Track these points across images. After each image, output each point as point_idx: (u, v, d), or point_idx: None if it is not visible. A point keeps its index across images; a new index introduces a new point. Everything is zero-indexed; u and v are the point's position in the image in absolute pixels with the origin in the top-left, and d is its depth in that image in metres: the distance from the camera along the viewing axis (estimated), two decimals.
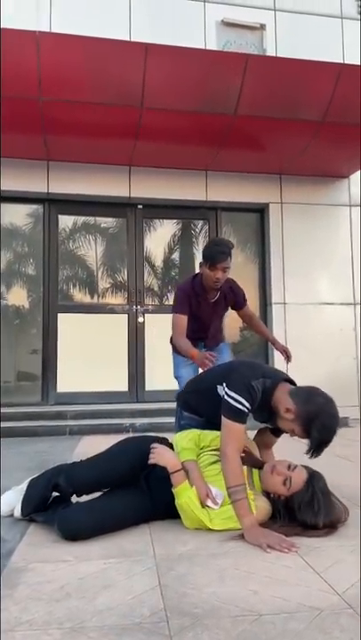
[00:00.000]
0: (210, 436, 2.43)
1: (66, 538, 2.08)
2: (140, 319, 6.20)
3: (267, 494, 2.23)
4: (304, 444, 2.23)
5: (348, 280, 6.47)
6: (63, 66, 4.71)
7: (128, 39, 5.78)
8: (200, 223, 6.65)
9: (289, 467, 2.20)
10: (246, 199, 6.38)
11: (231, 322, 6.42)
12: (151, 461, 2.25)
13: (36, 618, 1.47)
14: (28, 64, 4.60)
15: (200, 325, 3.45)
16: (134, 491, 2.27)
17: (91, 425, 5.12)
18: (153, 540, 2.10)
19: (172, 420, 3.22)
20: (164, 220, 6.59)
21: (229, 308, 3.66)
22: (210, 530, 2.17)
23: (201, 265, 3.39)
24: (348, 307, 6.43)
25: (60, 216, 6.23)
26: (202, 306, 3.42)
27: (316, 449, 2.17)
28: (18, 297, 6.15)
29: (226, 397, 2.25)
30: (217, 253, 3.28)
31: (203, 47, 6.02)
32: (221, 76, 4.98)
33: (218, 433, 2.34)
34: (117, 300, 6.36)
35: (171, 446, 2.40)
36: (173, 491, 2.21)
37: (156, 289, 6.58)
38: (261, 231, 6.59)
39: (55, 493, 2.34)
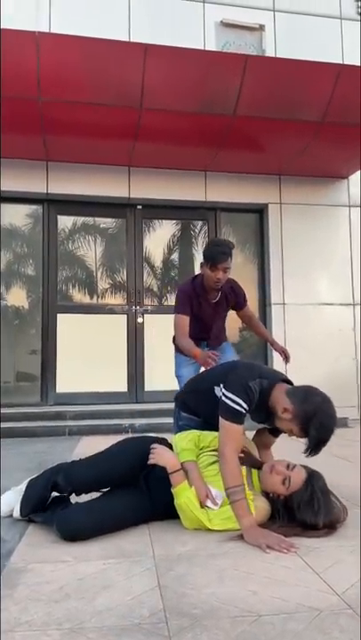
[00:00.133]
0: (209, 436, 2.43)
1: (65, 538, 2.08)
2: (140, 319, 6.20)
3: (266, 494, 2.23)
4: (303, 443, 2.23)
5: (348, 280, 6.47)
6: (62, 66, 4.71)
7: (127, 40, 5.77)
8: (199, 224, 6.65)
9: (288, 466, 2.20)
10: (245, 200, 6.39)
11: (231, 322, 6.41)
12: (151, 461, 2.25)
13: (35, 619, 1.47)
14: (28, 64, 4.60)
15: (202, 326, 3.45)
16: (133, 491, 2.27)
17: (90, 425, 5.12)
18: (152, 541, 2.10)
19: (171, 420, 3.21)
20: (164, 221, 6.59)
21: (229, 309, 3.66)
22: (209, 530, 2.17)
23: (202, 265, 3.39)
24: (347, 307, 6.43)
25: (59, 216, 6.23)
26: (203, 306, 3.42)
27: (315, 448, 2.18)
28: (17, 297, 6.15)
29: (223, 398, 2.26)
30: (218, 254, 3.28)
31: (202, 48, 6.02)
32: (220, 77, 4.98)
33: (217, 434, 2.33)
34: (117, 300, 6.36)
35: (170, 447, 2.40)
36: (173, 491, 2.21)
37: (155, 289, 6.58)
38: (261, 232, 6.60)
39: (54, 494, 2.34)
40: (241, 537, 2.07)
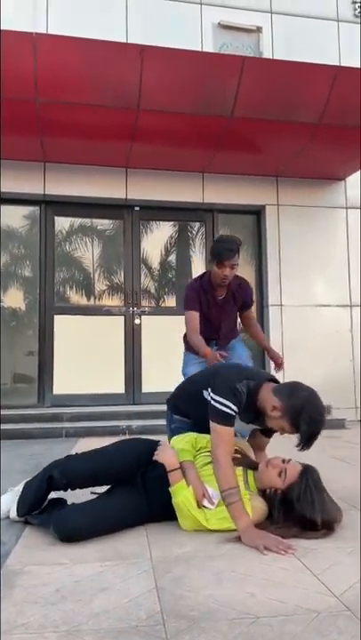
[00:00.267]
0: (206, 438, 2.45)
1: (62, 539, 2.07)
2: (137, 321, 6.19)
3: (263, 494, 2.24)
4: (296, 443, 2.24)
5: (345, 282, 6.48)
6: (60, 67, 4.71)
7: (125, 41, 5.77)
8: (197, 225, 6.65)
9: (283, 461, 2.25)
10: (243, 201, 6.39)
11: None
12: (154, 457, 2.28)
13: (31, 621, 1.46)
14: (25, 66, 4.59)
15: (211, 326, 3.43)
16: (130, 491, 2.27)
17: (87, 427, 5.11)
18: (149, 543, 2.09)
19: None
20: (161, 222, 6.59)
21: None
22: (206, 532, 2.16)
23: (209, 262, 3.42)
24: (344, 308, 6.44)
25: (56, 218, 6.22)
26: (211, 304, 3.42)
27: (307, 442, 2.21)
28: (14, 299, 6.13)
29: (212, 402, 2.27)
30: (224, 250, 3.29)
31: (199, 49, 6.03)
32: (218, 79, 4.98)
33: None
34: (114, 302, 6.35)
35: None
36: (170, 489, 2.21)
37: (152, 291, 6.58)
38: (258, 233, 6.60)
39: (51, 496, 2.33)
40: (238, 538, 2.06)
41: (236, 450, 2.43)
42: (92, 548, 2.04)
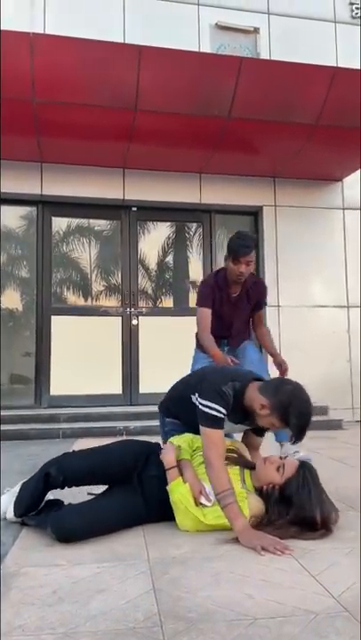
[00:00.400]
0: (199, 441, 2.45)
1: (59, 539, 2.07)
2: (134, 322, 6.18)
3: (260, 492, 2.25)
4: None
5: (342, 283, 6.49)
6: (57, 68, 4.71)
7: (122, 42, 5.77)
8: (194, 226, 6.65)
9: (280, 457, 2.29)
10: (240, 202, 6.40)
11: None
12: (161, 457, 2.32)
13: (28, 623, 1.45)
14: (22, 65, 4.59)
15: (222, 323, 3.40)
16: (127, 492, 2.27)
17: (84, 428, 5.10)
18: (147, 544, 2.08)
19: None
20: (158, 223, 6.58)
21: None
22: (204, 533, 2.16)
23: (225, 259, 3.36)
24: (341, 309, 6.45)
25: (53, 218, 6.21)
26: (224, 301, 3.38)
27: (298, 435, 2.24)
28: (11, 299, 6.12)
29: (201, 407, 2.29)
30: (240, 247, 3.27)
31: (197, 50, 6.03)
32: (215, 79, 4.99)
33: None
34: (111, 302, 6.34)
35: None
36: (168, 487, 2.23)
37: (149, 292, 6.57)
38: (255, 234, 6.58)
39: (48, 497, 2.32)
40: (236, 539, 2.05)
41: (232, 450, 2.45)
42: (89, 549, 2.03)
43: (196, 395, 2.35)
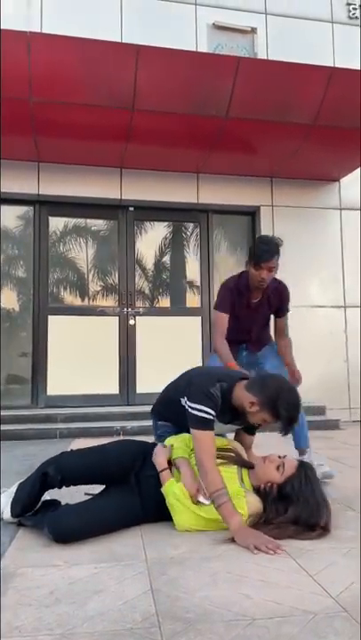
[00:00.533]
0: None
1: (56, 540, 2.06)
2: (131, 321, 6.17)
3: (257, 491, 2.25)
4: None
5: (339, 283, 6.49)
6: (54, 67, 4.69)
7: (119, 41, 5.76)
8: (191, 226, 6.64)
9: (279, 457, 2.29)
10: (238, 202, 6.39)
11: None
12: (153, 459, 2.33)
13: (25, 624, 1.44)
14: (19, 65, 4.57)
15: (241, 328, 3.29)
16: (124, 492, 2.27)
17: (81, 428, 5.09)
18: (144, 544, 2.08)
19: None
20: (155, 223, 6.57)
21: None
22: (201, 533, 2.16)
23: (246, 263, 3.25)
24: (338, 309, 6.45)
25: (50, 218, 6.19)
26: (244, 306, 3.26)
27: (288, 425, 2.28)
28: (8, 299, 6.09)
29: (190, 410, 2.31)
30: (262, 252, 3.13)
31: (194, 50, 6.02)
32: (213, 79, 4.98)
33: None
34: (108, 302, 6.33)
35: None
36: (162, 490, 2.23)
37: (147, 292, 6.56)
38: (253, 234, 6.59)
39: (44, 497, 2.32)
40: (233, 539, 2.05)
41: (229, 449, 2.45)
42: (86, 549, 2.02)
43: (185, 398, 2.36)
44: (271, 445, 3.23)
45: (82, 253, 6.39)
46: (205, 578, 1.74)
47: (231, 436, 2.78)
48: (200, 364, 5.37)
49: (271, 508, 2.18)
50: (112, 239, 6.45)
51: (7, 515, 2.30)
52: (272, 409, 2.25)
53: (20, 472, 3.10)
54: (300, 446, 3.24)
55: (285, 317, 3.43)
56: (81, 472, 2.28)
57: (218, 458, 2.34)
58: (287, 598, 1.58)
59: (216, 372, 2.63)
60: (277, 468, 2.23)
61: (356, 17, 6.76)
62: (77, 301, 6.33)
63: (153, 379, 5.56)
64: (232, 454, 2.41)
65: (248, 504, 2.15)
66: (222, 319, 3.19)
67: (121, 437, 4.62)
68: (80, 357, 5.89)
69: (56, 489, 2.30)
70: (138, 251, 6.45)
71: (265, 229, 6.40)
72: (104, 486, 2.37)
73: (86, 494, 2.34)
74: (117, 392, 6.04)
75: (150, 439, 2.73)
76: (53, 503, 2.33)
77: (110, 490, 2.32)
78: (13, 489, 2.35)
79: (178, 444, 2.43)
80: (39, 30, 5.64)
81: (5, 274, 6.13)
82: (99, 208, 6.23)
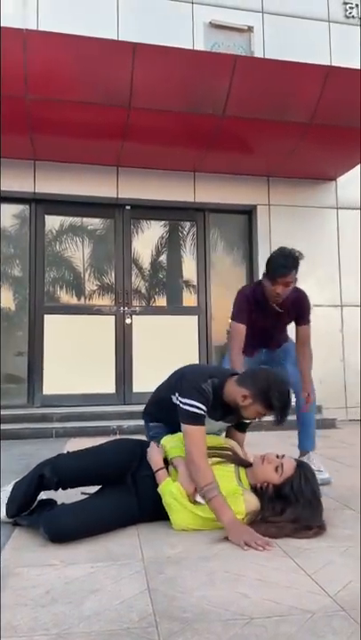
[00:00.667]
0: None
1: (52, 539, 2.04)
2: (128, 320, 6.15)
3: (254, 489, 2.25)
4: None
5: (335, 282, 6.49)
6: (50, 64, 4.66)
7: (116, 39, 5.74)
8: (188, 225, 6.63)
9: (277, 456, 2.29)
10: (234, 201, 6.38)
11: (216, 325, 6.42)
12: (147, 458, 2.32)
13: (21, 624, 1.43)
14: (15, 62, 4.54)
15: (260, 334, 3.19)
16: (121, 491, 2.26)
17: (77, 427, 5.07)
18: (141, 543, 2.07)
19: None
20: (152, 222, 6.56)
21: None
22: (198, 532, 2.15)
23: (263, 275, 3.10)
24: (335, 308, 6.45)
25: (46, 216, 6.17)
26: (262, 315, 3.13)
27: (281, 415, 2.30)
28: (4, 299, 6.06)
29: (181, 405, 2.32)
30: (278, 267, 2.99)
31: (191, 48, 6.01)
32: (209, 77, 4.96)
33: None
34: (104, 301, 6.31)
35: None
36: (158, 490, 2.22)
37: (143, 291, 6.55)
38: (249, 233, 6.59)
39: (40, 497, 2.30)
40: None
41: (227, 448, 2.44)
42: (82, 548, 2.01)
43: (177, 394, 2.37)
44: (269, 445, 3.23)
45: (78, 252, 6.37)
46: (203, 577, 1.73)
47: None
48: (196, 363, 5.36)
49: (268, 506, 2.18)
50: (108, 238, 6.43)
51: (2, 514, 2.29)
52: (264, 400, 2.28)
53: (16, 471, 3.08)
54: (305, 448, 3.21)
55: (306, 327, 3.25)
56: (77, 475, 2.27)
57: (215, 456, 2.34)
58: (285, 597, 1.57)
59: (208, 368, 2.67)
60: (276, 469, 2.22)
61: (353, 16, 6.76)
62: (73, 300, 6.31)
63: (149, 378, 5.52)
64: (229, 453, 2.41)
65: (246, 502, 2.15)
66: (239, 330, 3.07)
67: (117, 437, 4.60)
68: (76, 356, 5.87)
69: (52, 490, 2.28)
70: (134, 250, 6.43)
71: (262, 228, 6.41)
72: (100, 486, 2.36)
73: (82, 493, 2.33)
74: (114, 391, 6.03)
75: (146, 438, 2.72)
76: (49, 503, 2.32)
77: (107, 489, 2.31)
78: (9, 488, 2.34)
79: (174, 443, 2.42)
80: (35, 28, 5.61)
81: (1, 273, 6.10)
82: (95, 206, 6.21)
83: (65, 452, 2.48)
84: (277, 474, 2.21)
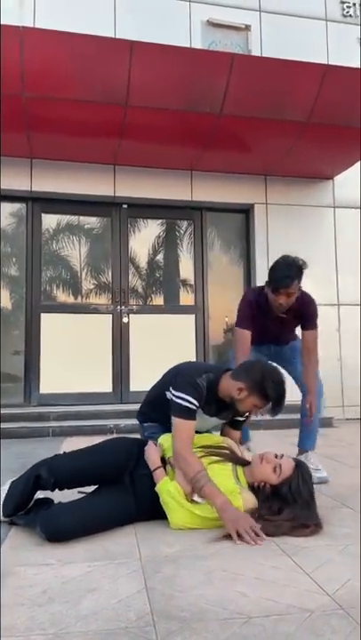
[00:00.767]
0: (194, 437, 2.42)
1: (49, 538, 2.03)
2: (125, 319, 6.14)
3: (251, 488, 2.25)
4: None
5: (332, 281, 6.49)
6: (47, 62, 4.64)
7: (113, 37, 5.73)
8: (185, 224, 6.61)
9: (276, 456, 2.28)
10: (231, 200, 6.37)
11: (213, 324, 6.41)
12: (145, 457, 2.32)
13: (17, 624, 1.42)
14: (12, 59, 4.52)
15: (265, 334, 3.16)
16: (118, 490, 2.25)
17: (74, 426, 5.05)
18: (138, 542, 2.06)
19: None
20: (149, 221, 6.55)
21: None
22: (195, 531, 2.14)
23: (266, 283, 3.04)
24: (332, 307, 6.44)
25: (43, 215, 6.15)
26: (266, 321, 3.09)
27: (277, 406, 2.34)
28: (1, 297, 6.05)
29: (173, 398, 2.33)
30: (280, 278, 2.92)
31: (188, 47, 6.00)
32: (207, 75, 4.95)
33: (199, 435, 2.46)
34: (101, 300, 6.30)
35: None
36: (156, 489, 2.21)
37: (140, 290, 6.53)
38: (246, 232, 6.59)
39: (37, 495, 2.29)
40: (228, 537, 2.04)
41: (224, 447, 2.44)
42: (79, 547, 2.00)
43: (171, 388, 2.37)
44: (267, 444, 3.23)
45: (75, 251, 6.35)
46: (200, 576, 1.73)
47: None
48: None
49: (264, 505, 2.18)
50: (105, 237, 6.41)
51: None
52: (261, 391, 2.30)
53: (12, 470, 3.06)
54: (305, 448, 3.19)
55: (312, 332, 3.14)
56: (74, 475, 2.26)
57: (212, 455, 2.34)
58: (283, 596, 1.57)
59: (203, 364, 2.67)
60: (274, 469, 2.22)
61: (350, 15, 6.76)
62: (70, 299, 6.29)
63: (146, 377, 5.50)
64: (227, 452, 2.40)
65: (244, 501, 2.15)
66: (243, 337, 3.04)
67: (114, 436, 4.59)
68: (73, 355, 5.86)
69: (49, 491, 2.27)
70: (131, 248, 6.42)
71: (259, 227, 6.40)
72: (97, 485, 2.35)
73: (79, 492, 2.31)
74: (111, 390, 6.01)
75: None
76: (46, 502, 2.30)
77: (104, 488, 2.29)
78: (5, 487, 2.33)
79: (171, 442, 2.40)
80: (32, 25, 5.58)
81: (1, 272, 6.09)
82: (92, 205, 6.19)
83: (62, 451, 2.47)
84: (276, 474, 2.21)
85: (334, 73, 5.12)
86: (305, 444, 3.21)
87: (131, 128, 5.20)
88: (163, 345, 5.93)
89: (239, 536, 2.01)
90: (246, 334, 3.04)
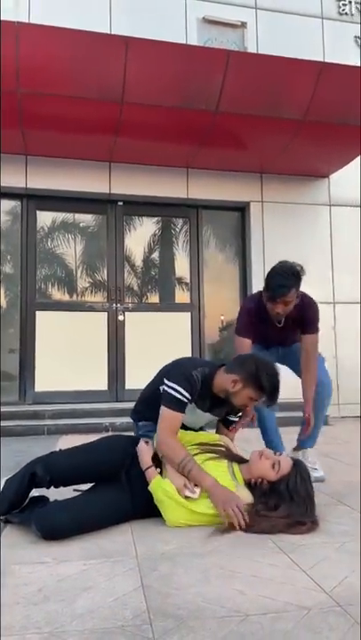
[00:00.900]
0: (187, 435, 2.45)
1: (44, 536, 2.02)
2: (120, 317, 6.12)
3: (248, 485, 2.25)
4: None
5: (328, 279, 6.49)
6: (42, 58, 4.63)
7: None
8: (180, 223, 6.60)
9: (274, 452, 2.30)
10: (227, 197, 6.36)
11: (209, 322, 6.40)
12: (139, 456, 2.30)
13: (12, 623, 1.41)
14: (6, 55, 4.49)
15: (270, 338, 3.13)
16: (114, 488, 2.23)
17: (69, 424, 5.04)
18: (135, 540, 2.05)
19: None
20: (145, 219, 6.53)
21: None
22: (192, 528, 2.13)
23: (263, 290, 2.96)
24: (327, 305, 6.43)
25: (38, 212, 6.12)
26: (266, 327, 3.04)
27: (272, 397, 2.35)
28: None
29: (165, 388, 2.34)
30: (276, 287, 2.83)
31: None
32: (203, 72, 4.94)
33: (195, 433, 2.50)
34: (97, 298, 6.28)
35: None
36: (149, 488, 2.20)
37: (135, 288, 6.52)
38: (242, 230, 6.58)
39: (33, 494, 2.27)
40: (225, 533, 2.04)
41: (220, 444, 2.43)
42: (75, 545, 1.98)
43: (165, 380, 2.37)
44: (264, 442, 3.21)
45: (70, 249, 6.33)
46: (197, 574, 1.72)
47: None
48: None
49: (260, 500, 2.18)
50: (101, 235, 6.39)
51: None
52: (255, 382, 2.31)
53: (8, 468, 3.04)
54: (304, 445, 3.17)
55: (313, 336, 3.06)
56: (70, 473, 2.25)
57: (208, 452, 2.33)
58: (281, 594, 1.56)
59: (199, 359, 2.68)
60: (273, 465, 2.22)
61: (346, 13, 6.76)
62: (65, 297, 6.26)
63: (142, 375, 5.46)
64: (223, 449, 2.40)
65: (241, 497, 2.14)
66: (244, 345, 2.98)
67: (110, 434, 4.57)
68: (68, 353, 5.84)
69: (45, 488, 2.26)
70: (127, 247, 6.40)
71: (254, 225, 6.39)
72: (93, 483, 2.34)
73: (75, 490, 2.30)
74: (106, 388, 6.00)
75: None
76: (41, 499, 2.28)
77: (99, 486, 2.28)
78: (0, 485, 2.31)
79: None
80: (27, 21, 5.55)
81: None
82: (87, 202, 6.17)
83: (57, 449, 2.46)
84: (274, 470, 2.21)
85: (330, 71, 5.12)
86: (305, 441, 3.19)
87: (126, 125, 5.18)
88: (158, 343, 5.91)
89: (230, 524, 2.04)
90: (246, 343, 2.99)
